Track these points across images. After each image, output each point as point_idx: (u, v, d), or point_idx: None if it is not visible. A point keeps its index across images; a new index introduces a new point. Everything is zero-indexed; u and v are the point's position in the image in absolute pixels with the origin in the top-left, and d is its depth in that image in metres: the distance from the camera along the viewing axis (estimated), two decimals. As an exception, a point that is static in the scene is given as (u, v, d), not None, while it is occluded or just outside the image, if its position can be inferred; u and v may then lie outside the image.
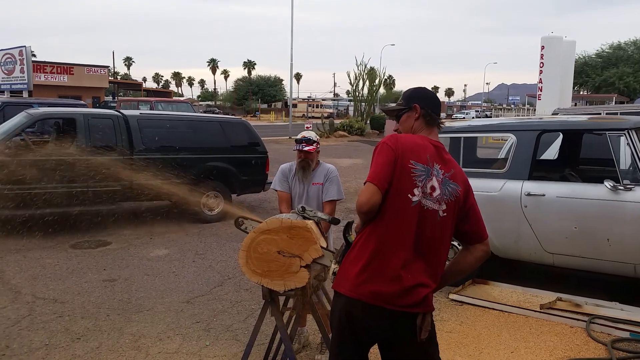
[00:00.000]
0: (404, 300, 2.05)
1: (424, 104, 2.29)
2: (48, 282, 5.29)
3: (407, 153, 2.10)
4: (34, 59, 27.63)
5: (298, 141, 3.73)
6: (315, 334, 3.97)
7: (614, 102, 34.71)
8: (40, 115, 7.83)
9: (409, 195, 2.07)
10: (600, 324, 4.20)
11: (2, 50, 21.13)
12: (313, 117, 52.32)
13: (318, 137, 3.88)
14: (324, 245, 2.89)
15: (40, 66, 33.38)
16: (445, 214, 2.14)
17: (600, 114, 9.01)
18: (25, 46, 19.91)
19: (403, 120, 2.33)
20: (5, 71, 20.75)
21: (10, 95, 19.56)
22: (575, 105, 29.95)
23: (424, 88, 2.41)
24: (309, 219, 2.98)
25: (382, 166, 2.09)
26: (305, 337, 3.94)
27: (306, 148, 3.69)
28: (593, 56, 47.44)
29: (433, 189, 2.11)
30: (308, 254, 2.81)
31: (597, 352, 3.82)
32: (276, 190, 3.89)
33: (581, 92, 47.96)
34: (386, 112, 2.62)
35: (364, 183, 2.12)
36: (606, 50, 47.15)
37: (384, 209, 2.08)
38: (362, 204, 2.06)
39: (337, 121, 35.14)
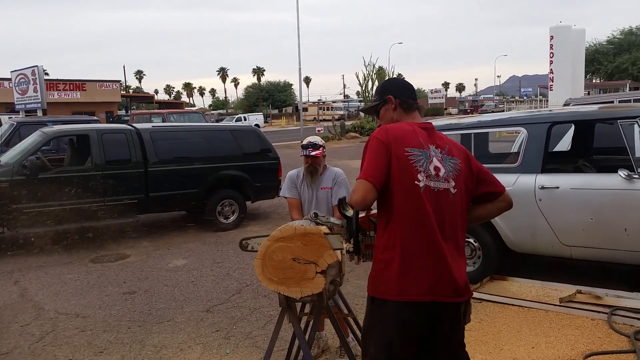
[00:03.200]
0: (450, 289, 2.05)
1: (396, 93, 2.31)
2: (70, 297, 5.38)
3: (400, 142, 2.08)
4: (46, 77, 28.02)
5: (304, 147, 3.75)
6: (335, 338, 3.98)
7: (627, 89, 34.20)
8: (54, 133, 7.98)
9: (415, 182, 2.06)
10: (622, 316, 4.14)
11: (15, 70, 21.47)
12: (324, 120, 52.35)
13: (324, 141, 3.89)
14: (339, 254, 2.90)
15: (53, 84, 33.83)
16: (456, 189, 2.13)
17: (612, 102, 8.91)
18: (37, 66, 20.22)
19: (382, 114, 2.35)
20: (20, 91, 21.07)
21: (25, 115, 19.89)
22: (589, 94, 29.60)
23: (394, 78, 2.45)
24: (322, 224, 3.00)
25: (375, 161, 2.06)
26: (324, 341, 3.95)
27: (313, 153, 3.71)
28: (604, 43, 46.85)
29: (437, 169, 2.10)
30: (323, 259, 2.82)
31: (620, 344, 3.77)
32: (285, 198, 3.92)
33: (594, 80, 47.35)
34: (366, 112, 2.65)
35: (357, 179, 2.09)
36: (617, 36, 46.55)
37: (395, 204, 2.06)
38: (356, 202, 2.05)
39: (348, 123, 35.20)
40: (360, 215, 2.30)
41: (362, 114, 45.89)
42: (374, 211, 2.25)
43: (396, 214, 2.07)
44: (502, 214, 2.36)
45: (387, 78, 33.75)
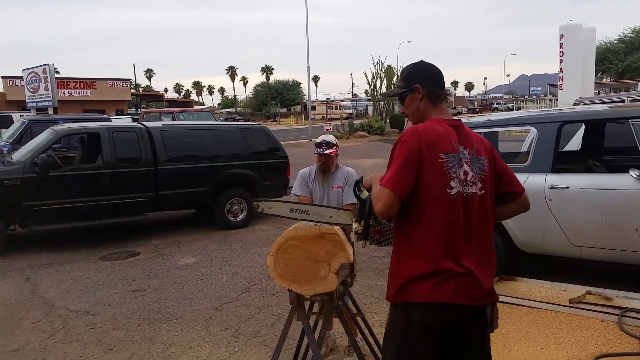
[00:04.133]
0: (475, 293, 2.00)
1: (425, 82, 2.16)
2: (80, 295, 5.42)
3: (434, 148, 1.99)
4: (57, 75, 28.27)
5: (318, 145, 3.76)
6: (342, 337, 3.99)
7: (639, 88, 33.90)
8: (65, 131, 8.04)
9: (448, 190, 1.99)
10: (633, 317, 4.11)
11: (27, 69, 21.64)
12: (332, 119, 52.36)
13: (337, 140, 3.89)
14: (351, 251, 2.91)
15: (64, 82, 34.12)
16: (482, 191, 2.07)
17: (623, 101, 8.83)
18: (48, 64, 20.35)
19: (407, 102, 2.21)
20: (31, 89, 21.23)
21: (37, 113, 20.05)
22: (599, 93, 29.38)
23: (422, 63, 2.25)
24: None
25: (403, 170, 1.97)
26: (333, 340, 3.96)
27: (327, 151, 3.72)
28: (615, 42, 46.36)
29: (466, 173, 2.03)
30: (336, 259, 2.84)
31: (631, 346, 3.74)
32: (297, 195, 3.93)
33: (604, 79, 46.96)
34: (390, 96, 2.56)
35: (380, 184, 2.02)
36: (628, 34, 46.00)
37: (423, 209, 1.99)
38: (380, 213, 2.00)
39: (356, 121, 35.19)
40: None
41: (369, 113, 45.84)
42: None
43: (424, 220, 2.00)
44: (516, 215, 2.30)
45: (396, 76, 33.69)
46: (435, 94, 2.17)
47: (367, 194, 2.24)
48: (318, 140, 3.81)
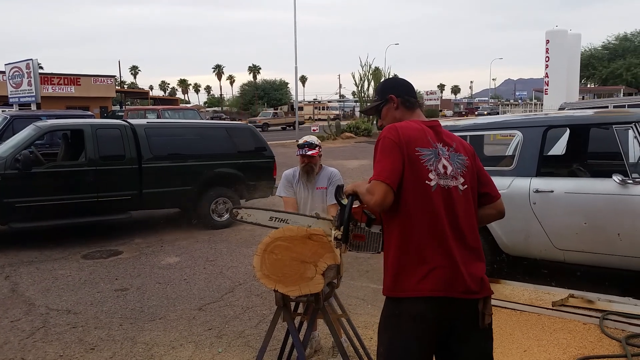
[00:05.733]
0: (463, 286, 2.01)
1: (398, 92, 2.32)
2: (61, 293, 5.34)
3: (411, 142, 2.07)
4: (41, 71, 27.83)
5: (300, 146, 3.75)
6: (327, 338, 3.98)
7: (622, 94, 34.45)
8: (48, 127, 7.91)
9: (426, 182, 2.04)
10: (614, 320, 4.16)
11: (9, 63, 21.29)
12: (319, 120, 52.35)
13: (320, 141, 3.88)
14: (338, 253, 2.90)
15: (47, 78, 33.64)
16: (465, 186, 2.12)
17: (607, 107, 8.94)
18: (32, 59, 20.04)
19: (384, 114, 2.36)
20: (14, 84, 20.89)
21: (19, 108, 19.74)
22: (583, 98, 29.78)
23: (393, 77, 2.45)
24: None
25: (389, 162, 2.04)
26: (317, 341, 3.94)
27: (309, 152, 3.71)
28: (599, 48, 47.13)
29: (445, 167, 2.10)
30: (323, 260, 2.81)
31: (612, 349, 3.79)
32: (281, 197, 3.91)
33: (588, 85, 47.64)
34: (368, 113, 2.62)
35: (370, 180, 2.06)
36: (612, 42, 46.81)
37: (406, 204, 2.04)
38: (376, 204, 2.01)
39: (343, 123, 35.20)
40: (354, 206, 2.28)
41: (357, 114, 45.96)
42: None
43: (407, 213, 2.04)
44: (491, 222, 2.33)
45: (383, 79, 33.88)
46: (409, 101, 2.32)
47: (347, 200, 2.27)
48: (300, 141, 3.81)
